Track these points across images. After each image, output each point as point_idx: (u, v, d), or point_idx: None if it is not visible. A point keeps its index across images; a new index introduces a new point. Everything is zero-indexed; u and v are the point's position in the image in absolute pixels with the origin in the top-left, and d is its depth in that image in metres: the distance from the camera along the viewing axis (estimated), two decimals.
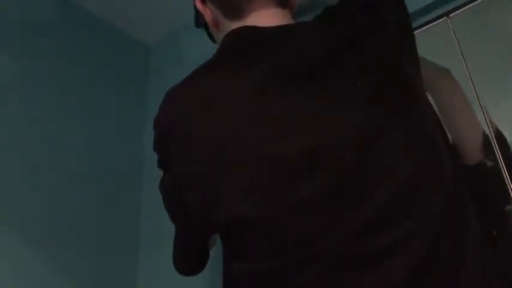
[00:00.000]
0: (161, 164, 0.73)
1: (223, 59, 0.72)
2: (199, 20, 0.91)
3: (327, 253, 0.58)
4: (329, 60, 0.65)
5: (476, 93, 1.00)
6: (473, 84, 1.01)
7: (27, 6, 1.51)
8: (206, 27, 0.90)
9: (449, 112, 1.00)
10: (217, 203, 0.62)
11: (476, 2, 1.06)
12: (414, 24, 1.00)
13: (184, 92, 0.70)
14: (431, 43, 1.04)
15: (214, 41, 0.89)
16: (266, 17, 0.75)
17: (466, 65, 1.03)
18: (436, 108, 1.00)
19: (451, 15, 1.09)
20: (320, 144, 0.60)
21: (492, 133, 0.96)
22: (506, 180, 0.92)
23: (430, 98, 1.02)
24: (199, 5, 0.84)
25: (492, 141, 0.96)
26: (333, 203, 0.59)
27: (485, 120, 0.98)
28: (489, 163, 0.95)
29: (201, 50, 1.78)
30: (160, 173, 0.75)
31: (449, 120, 0.98)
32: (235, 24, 0.75)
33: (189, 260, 0.83)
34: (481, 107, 0.99)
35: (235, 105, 0.64)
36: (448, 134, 0.98)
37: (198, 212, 0.66)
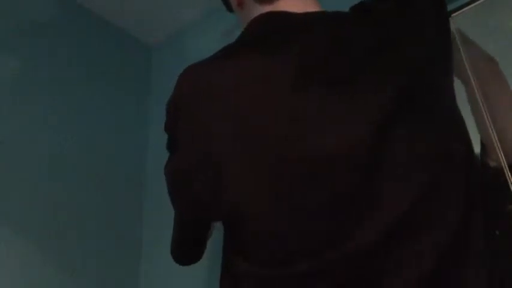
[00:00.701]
0: (169, 145, 0.70)
1: (248, 43, 0.68)
2: None
3: (329, 269, 0.54)
4: (360, 59, 0.62)
5: (478, 93, 1.00)
6: (475, 85, 1.01)
7: (28, 5, 1.50)
8: None
9: (492, 109, 0.97)
10: (219, 190, 0.60)
11: (479, 1, 1.06)
12: None
13: (201, 72, 0.67)
14: None
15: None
16: (297, 2, 0.71)
17: (469, 65, 1.03)
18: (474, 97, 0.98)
19: (453, 15, 1.09)
20: (336, 149, 0.57)
21: (495, 134, 0.96)
22: (508, 180, 0.92)
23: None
24: None
25: (495, 142, 0.95)
26: (342, 211, 0.55)
27: (487, 121, 0.97)
28: (492, 163, 0.95)
29: (202, 50, 1.77)
30: (163, 167, 0.73)
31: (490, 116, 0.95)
32: (264, 8, 0.72)
33: (187, 247, 0.81)
34: (484, 107, 0.99)
35: (252, 93, 0.61)
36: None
37: (201, 197, 0.64)
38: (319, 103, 0.59)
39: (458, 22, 1.08)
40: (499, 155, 0.94)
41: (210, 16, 1.70)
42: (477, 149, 0.97)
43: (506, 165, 0.93)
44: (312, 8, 0.71)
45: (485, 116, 0.98)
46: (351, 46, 0.63)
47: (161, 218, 1.62)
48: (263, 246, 0.59)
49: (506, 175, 0.92)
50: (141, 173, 1.68)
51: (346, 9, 0.74)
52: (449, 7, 1.10)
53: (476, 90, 1.00)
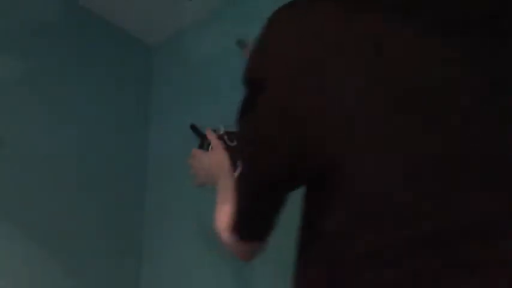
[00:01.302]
0: (251, 95, 0.62)
1: None
2: None
3: (427, 247, 0.46)
4: (479, 23, 0.57)
5: None
6: None
7: (29, 5, 1.50)
8: None
9: None
10: (323, 146, 0.54)
11: None
12: None
13: (311, 14, 0.60)
14: None
15: None
16: None
17: None
18: None
19: None
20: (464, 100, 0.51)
21: None
22: None
23: None
24: None
25: None
26: (454, 174, 0.48)
27: None
28: None
29: (203, 50, 1.78)
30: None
31: None
32: None
33: (253, 219, 0.69)
34: None
35: (389, 41, 0.55)
36: None
37: (294, 158, 0.58)
38: (454, 54, 0.55)
39: None
40: None
41: (210, 16, 1.70)
42: None
43: None
44: None
45: None
46: (472, 7, 0.59)
47: (161, 218, 1.62)
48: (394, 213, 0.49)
49: None
50: (141, 173, 1.68)
51: None
52: None
53: None
